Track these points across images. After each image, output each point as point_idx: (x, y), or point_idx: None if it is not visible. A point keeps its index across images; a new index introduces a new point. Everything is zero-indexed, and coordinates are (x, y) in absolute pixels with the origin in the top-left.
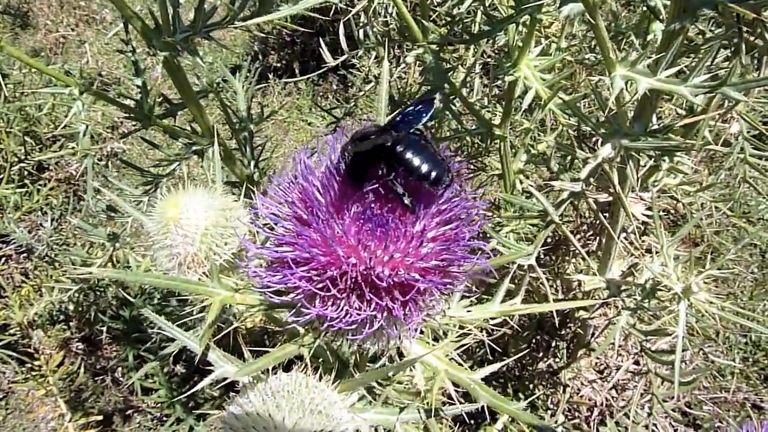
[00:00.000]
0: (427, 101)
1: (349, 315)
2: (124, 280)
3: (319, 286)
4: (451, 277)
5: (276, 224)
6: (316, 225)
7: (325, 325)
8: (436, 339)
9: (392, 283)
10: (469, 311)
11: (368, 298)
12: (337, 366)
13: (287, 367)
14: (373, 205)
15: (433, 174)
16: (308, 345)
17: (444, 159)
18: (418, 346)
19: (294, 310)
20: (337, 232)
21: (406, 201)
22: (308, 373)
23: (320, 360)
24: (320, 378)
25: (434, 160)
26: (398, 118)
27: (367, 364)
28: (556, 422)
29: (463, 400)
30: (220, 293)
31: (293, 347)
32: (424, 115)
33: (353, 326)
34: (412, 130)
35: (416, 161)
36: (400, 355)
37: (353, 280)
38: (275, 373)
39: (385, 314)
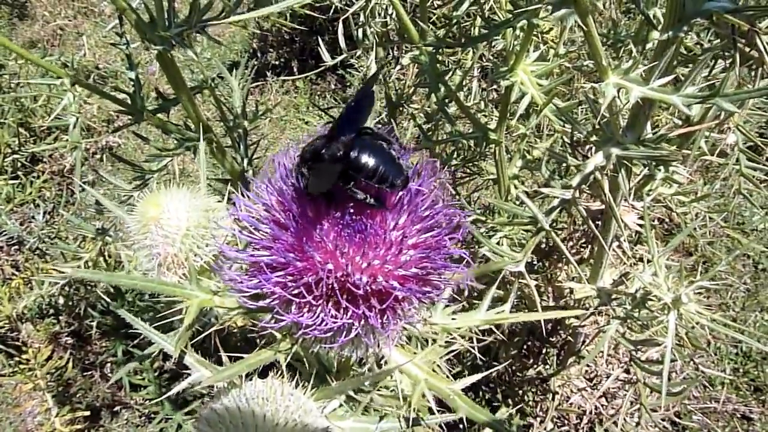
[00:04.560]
0: (367, 95)
1: (324, 323)
2: (100, 281)
3: (295, 292)
4: (432, 286)
5: (254, 228)
6: (293, 229)
7: (301, 332)
8: (423, 347)
9: (370, 290)
10: (453, 319)
11: (344, 306)
12: (319, 370)
13: (266, 371)
14: (351, 210)
15: (390, 176)
16: (285, 351)
17: (400, 158)
18: (399, 354)
19: (270, 316)
20: (315, 237)
21: (370, 203)
22: (284, 380)
23: (303, 364)
24: (296, 385)
25: (390, 161)
26: (342, 122)
27: (352, 368)
28: (545, 429)
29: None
30: (199, 296)
31: (269, 353)
32: (366, 109)
33: (329, 334)
34: (360, 130)
35: (371, 164)
36: (385, 362)
37: (329, 287)
38: (250, 379)
39: (362, 322)
